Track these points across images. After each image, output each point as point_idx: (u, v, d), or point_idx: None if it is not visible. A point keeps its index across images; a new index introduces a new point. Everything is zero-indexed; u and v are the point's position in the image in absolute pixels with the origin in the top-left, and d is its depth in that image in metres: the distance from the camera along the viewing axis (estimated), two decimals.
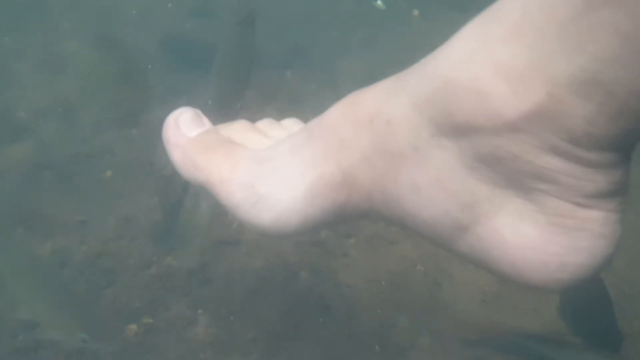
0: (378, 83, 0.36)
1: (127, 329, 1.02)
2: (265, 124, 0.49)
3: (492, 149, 0.29)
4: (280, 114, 0.52)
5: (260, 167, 0.39)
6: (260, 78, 2.13)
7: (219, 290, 1.10)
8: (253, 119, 0.49)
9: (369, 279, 1.12)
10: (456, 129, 0.30)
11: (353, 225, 1.24)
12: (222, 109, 1.19)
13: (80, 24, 2.29)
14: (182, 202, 1.12)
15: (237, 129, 0.46)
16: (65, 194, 1.43)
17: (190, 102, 0.45)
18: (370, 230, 1.23)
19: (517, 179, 0.30)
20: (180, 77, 2.10)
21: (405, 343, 0.99)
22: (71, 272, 1.17)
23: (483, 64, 0.28)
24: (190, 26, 2.58)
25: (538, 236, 0.30)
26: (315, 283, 1.11)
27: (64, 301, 1.06)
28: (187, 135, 0.42)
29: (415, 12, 2.20)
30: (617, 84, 0.24)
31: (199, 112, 0.45)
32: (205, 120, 0.45)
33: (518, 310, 1.05)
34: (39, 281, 1.08)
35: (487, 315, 1.04)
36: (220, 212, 1.27)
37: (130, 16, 2.20)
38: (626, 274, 1.12)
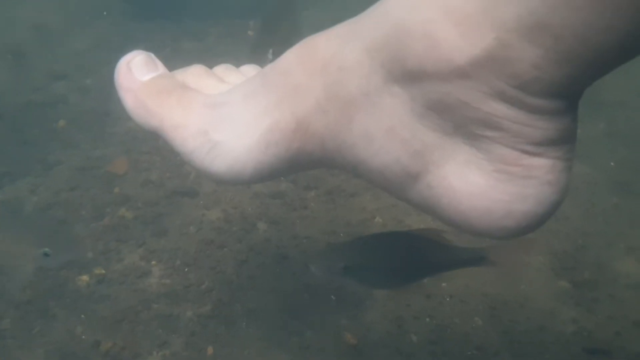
0: (333, 28, 0.35)
1: (78, 280, 1.00)
2: (222, 69, 0.47)
3: (442, 96, 0.29)
4: (240, 64, 0.50)
5: (214, 113, 0.38)
6: (223, 26, 2.09)
7: (174, 241, 1.08)
8: (211, 67, 0.47)
9: (327, 231, 1.11)
10: (407, 75, 0.29)
11: (314, 177, 1.23)
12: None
13: None
14: None
15: (193, 74, 0.44)
16: (16, 143, 1.39)
17: (148, 50, 0.43)
18: (331, 183, 1.22)
19: (466, 127, 0.29)
20: (137, 25, 2.04)
21: (361, 292, 0.99)
22: (22, 222, 1.14)
23: (433, 7, 0.27)
24: None
25: (484, 184, 0.30)
26: (273, 234, 1.10)
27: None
28: (140, 79, 0.41)
29: None
30: (564, 28, 0.24)
31: (153, 55, 0.43)
32: (160, 64, 0.43)
33: None
34: None
35: None
36: (176, 162, 1.25)
37: None
38: (581, 225, 1.14)
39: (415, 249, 0.73)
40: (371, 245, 0.75)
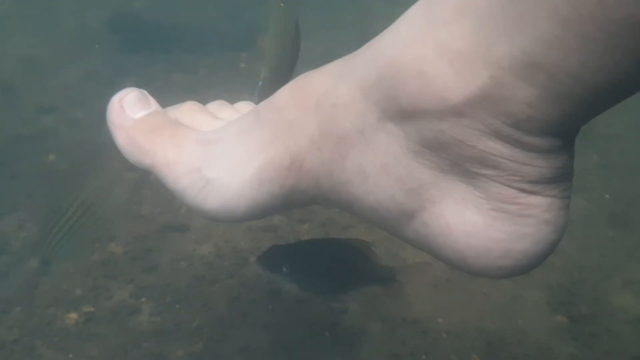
0: (327, 65, 0.35)
1: (66, 318, 0.98)
2: (216, 105, 0.47)
3: (436, 134, 0.28)
4: (233, 97, 0.50)
5: (208, 150, 0.38)
6: (214, 58, 2.10)
7: (164, 277, 1.07)
8: (204, 101, 0.47)
9: None
10: (401, 112, 0.29)
11: (307, 210, 1.22)
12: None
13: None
14: None
15: (186, 110, 0.44)
16: (4, 177, 1.37)
17: (139, 83, 0.43)
18: (325, 215, 1.22)
19: (461, 165, 0.29)
20: (128, 58, 2.05)
21: (356, 329, 0.98)
22: (9, 259, 1.12)
23: (427, 47, 0.27)
24: (140, 5, 2.52)
25: (481, 222, 0.30)
26: None
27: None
28: (132, 117, 0.40)
29: None
30: (558, 67, 0.24)
31: (145, 92, 0.42)
32: (152, 101, 0.42)
33: (468, 294, 1.05)
34: None
35: (437, 299, 1.04)
36: (167, 197, 1.24)
37: None
38: (577, 258, 1.13)
39: (341, 259, 0.79)
40: (307, 249, 0.82)
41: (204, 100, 0.47)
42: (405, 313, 1.01)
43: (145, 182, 1.30)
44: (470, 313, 1.01)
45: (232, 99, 0.49)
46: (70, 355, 0.92)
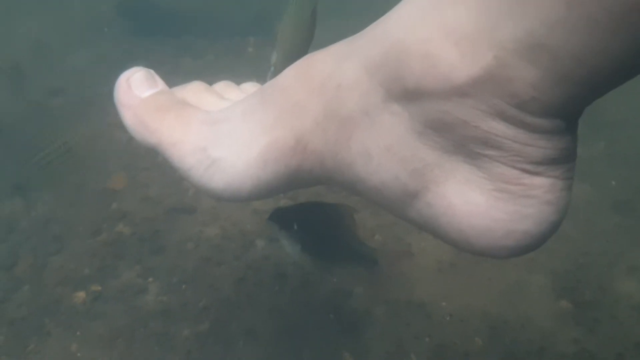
0: (332, 45, 0.35)
1: (74, 297, 0.99)
2: (222, 86, 0.47)
3: (441, 115, 0.28)
4: (240, 81, 0.50)
5: (213, 130, 0.38)
6: (223, 43, 2.10)
7: (171, 258, 1.08)
8: (211, 84, 0.47)
9: None
10: (406, 93, 0.29)
11: (312, 192, 1.22)
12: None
13: None
14: None
15: (192, 91, 0.44)
16: (14, 158, 1.38)
17: (148, 67, 0.43)
18: (331, 199, 1.22)
19: (465, 145, 0.29)
20: (138, 42, 2.05)
21: (361, 311, 0.98)
22: (18, 238, 1.13)
23: (432, 27, 0.27)
24: None
25: (484, 202, 0.30)
26: (271, 252, 1.09)
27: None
28: (139, 96, 0.40)
29: None
30: (562, 49, 0.24)
31: (152, 72, 0.43)
32: (159, 80, 0.42)
33: (473, 278, 1.05)
34: None
35: (442, 284, 1.04)
36: (175, 179, 1.24)
37: None
38: (582, 245, 1.13)
39: (331, 226, 0.82)
40: (302, 212, 0.85)
41: (211, 83, 0.47)
42: (410, 297, 1.01)
43: (153, 164, 1.31)
44: (475, 297, 1.01)
45: (239, 83, 0.49)
46: (78, 333, 0.93)
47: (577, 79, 0.25)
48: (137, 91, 0.41)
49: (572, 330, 0.96)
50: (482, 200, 0.30)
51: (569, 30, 0.23)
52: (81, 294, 1.00)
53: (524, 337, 0.95)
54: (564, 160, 0.29)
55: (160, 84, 0.42)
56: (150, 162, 1.32)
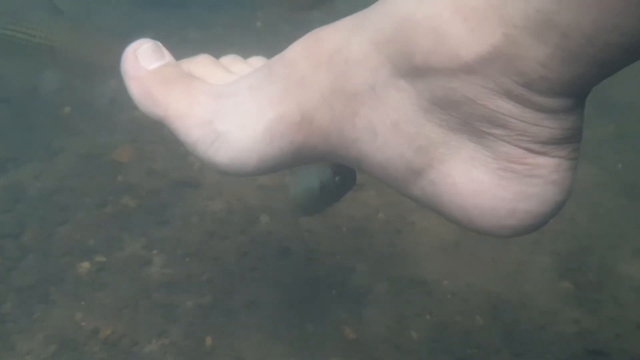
0: (340, 20, 0.35)
1: (80, 267, 1.00)
2: (229, 59, 0.47)
3: (448, 92, 0.28)
4: (247, 55, 0.50)
5: (220, 104, 0.38)
6: (231, 16, 2.08)
7: (176, 231, 1.08)
8: (218, 57, 0.47)
9: (330, 225, 1.11)
10: (413, 69, 0.29)
11: None
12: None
13: None
14: None
15: (200, 63, 0.44)
16: (21, 128, 1.38)
17: (155, 40, 0.43)
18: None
19: (471, 123, 0.29)
20: (145, 13, 2.04)
21: (363, 288, 0.99)
22: (25, 208, 1.14)
23: (441, 3, 0.27)
24: None
25: (488, 181, 0.30)
26: (275, 227, 1.10)
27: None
28: (146, 68, 0.40)
29: None
30: (572, 27, 0.24)
31: (160, 44, 0.43)
32: (167, 53, 0.42)
33: (476, 258, 1.06)
34: None
35: (445, 262, 1.05)
36: (180, 153, 1.25)
37: None
38: (586, 226, 1.13)
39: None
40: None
41: (218, 56, 0.47)
42: (412, 274, 1.02)
43: (159, 137, 1.31)
44: (477, 277, 1.02)
45: (246, 57, 0.49)
46: (83, 303, 0.94)
47: (586, 57, 0.24)
48: (144, 63, 0.41)
49: (573, 311, 0.96)
50: (486, 178, 0.30)
51: (579, 7, 0.23)
52: (86, 264, 1.01)
53: (525, 316, 0.95)
54: (570, 141, 0.29)
55: (168, 56, 0.42)
56: (156, 135, 1.32)
